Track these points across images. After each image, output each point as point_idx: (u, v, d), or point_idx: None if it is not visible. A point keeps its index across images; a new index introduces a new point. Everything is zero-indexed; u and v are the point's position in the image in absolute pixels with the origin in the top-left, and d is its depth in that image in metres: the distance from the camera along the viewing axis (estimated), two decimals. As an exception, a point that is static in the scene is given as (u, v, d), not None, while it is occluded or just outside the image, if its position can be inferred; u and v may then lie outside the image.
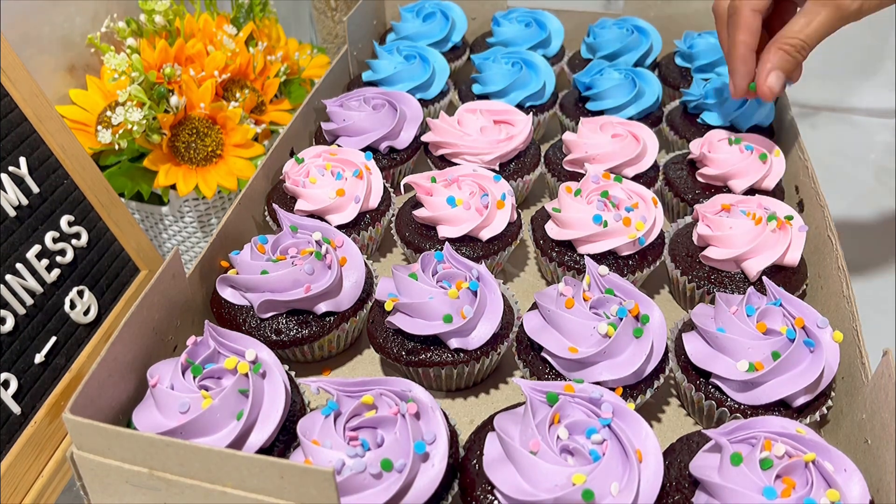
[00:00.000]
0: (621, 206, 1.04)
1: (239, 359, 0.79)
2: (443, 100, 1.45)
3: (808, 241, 1.06)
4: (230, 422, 0.75)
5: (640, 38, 1.51)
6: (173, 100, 1.28)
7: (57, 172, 1.07)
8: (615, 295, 0.88)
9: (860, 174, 1.78)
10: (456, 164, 1.21)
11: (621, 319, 0.83)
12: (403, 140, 1.27)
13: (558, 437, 0.72)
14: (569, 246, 1.05)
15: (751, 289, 0.89)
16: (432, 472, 0.71)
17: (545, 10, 1.61)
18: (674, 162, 1.25)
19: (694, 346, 0.88)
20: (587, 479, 0.66)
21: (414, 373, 0.93)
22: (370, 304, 0.99)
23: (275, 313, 0.93)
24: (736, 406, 0.84)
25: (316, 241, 0.96)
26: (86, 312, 1.06)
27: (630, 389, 0.85)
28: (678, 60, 1.52)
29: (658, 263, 1.06)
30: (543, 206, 1.11)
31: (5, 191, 0.99)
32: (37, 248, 1.01)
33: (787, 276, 1.00)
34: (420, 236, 1.09)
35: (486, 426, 0.79)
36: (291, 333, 0.93)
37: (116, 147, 1.28)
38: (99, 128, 1.31)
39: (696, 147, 1.20)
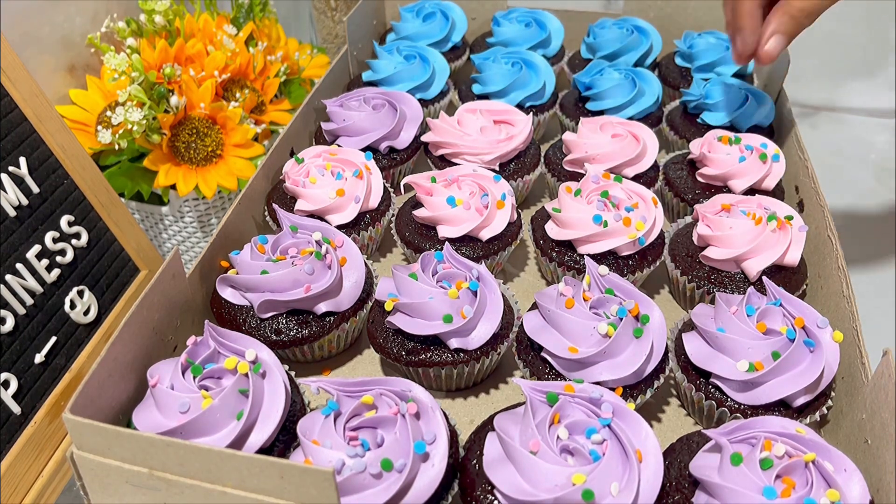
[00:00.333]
0: (621, 206, 1.04)
1: (239, 359, 0.79)
2: (443, 100, 1.46)
3: (808, 241, 1.06)
4: (230, 422, 0.75)
5: (640, 38, 1.51)
6: (173, 100, 1.28)
7: (57, 172, 1.07)
8: (615, 295, 0.88)
9: (860, 174, 1.78)
10: (456, 164, 1.21)
11: (621, 319, 0.83)
12: (403, 140, 1.27)
13: (558, 437, 0.72)
14: (569, 246, 1.05)
15: (751, 289, 0.89)
16: (432, 472, 0.71)
17: (545, 10, 1.61)
18: (674, 162, 1.25)
19: (694, 346, 0.88)
20: (587, 479, 0.66)
21: (414, 373, 0.93)
22: (370, 304, 0.99)
23: (275, 313, 0.93)
24: (736, 406, 0.84)
25: (316, 241, 0.96)
26: (86, 312, 1.06)
27: (630, 389, 0.85)
28: (678, 60, 1.52)
29: (658, 263, 1.06)
30: (543, 206, 1.11)
31: (5, 191, 0.99)
32: (37, 248, 1.01)
33: (787, 276, 1.00)
34: (420, 236, 1.09)
35: (486, 426, 0.79)
36: (291, 333, 0.93)
37: (116, 147, 1.28)
38: (99, 128, 1.31)
39: (696, 147, 1.20)
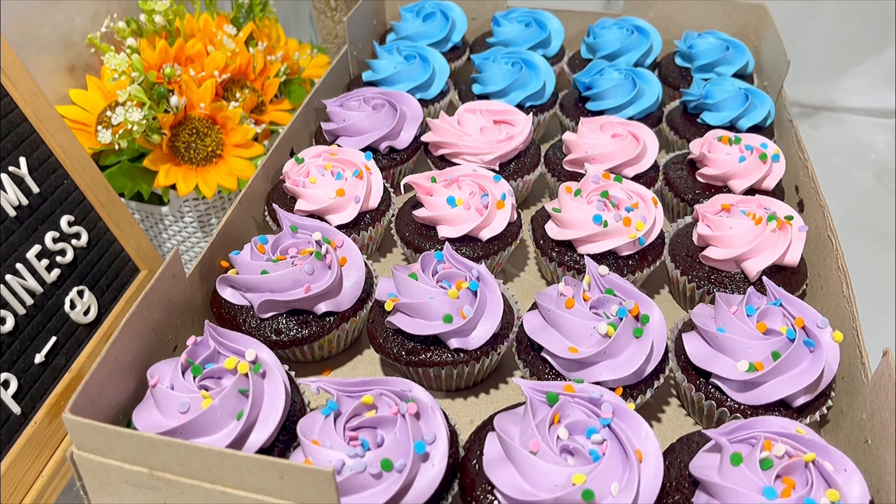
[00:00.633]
0: (621, 206, 1.04)
1: (239, 359, 0.79)
2: (443, 100, 1.46)
3: (808, 241, 1.06)
4: (230, 422, 0.75)
5: (640, 38, 1.51)
6: (173, 100, 1.28)
7: (57, 172, 1.07)
8: (615, 295, 0.88)
9: (860, 174, 1.79)
10: (456, 164, 1.21)
11: (621, 319, 0.83)
12: (403, 140, 1.27)
13: (558, 437, 0.72)
14: (569, 246, 1.05)
15: (751, 289, 0.89)
16: (432, 472, 0.71)
17: (545, 10, 1.61)
18: (674, 162, 1.25)
19: (694, 346, 0.88)
20: (587, 479, 0.66)
21: (414, 373, 0.93)
22: (370, 304, 0.99)
23: (275, 313, 0.93)
24: (736, 406, 0.84)
25: (316, 241, 0.96)
26: (86, 312, 1.06)
27: (630, 389, 0.85)
28: (678, 60, 1.52)
29: (658, 263, 1.06)
30: (543, 206, 1.11)
31: (5, 191, 0.99)
32: (37, 248, 1.01)
33: (787, 276, 1.00)
34: (420, 236, 1.09)
35: (486, 426, 0.79)
36: (291, 333, 0.93)
37: (116, 147, 1.28)
38: (99, 128, 1.31)
39: (696, 147, 1.20)
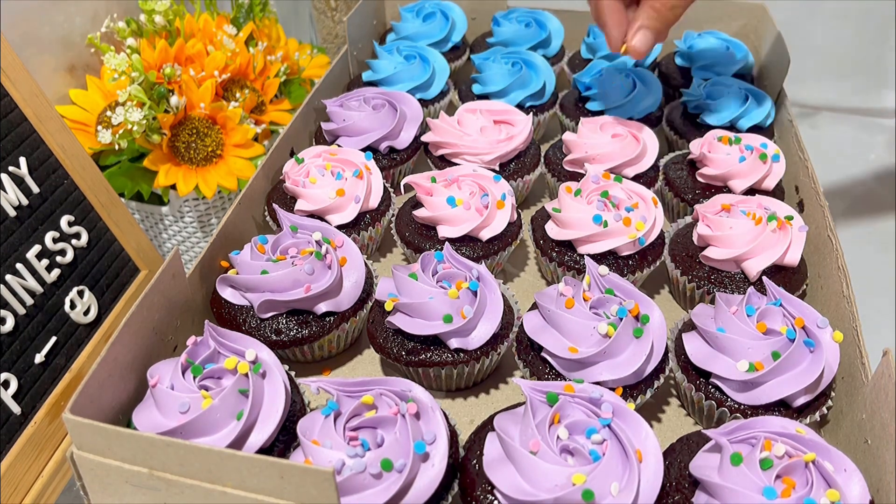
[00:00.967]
0: (621, 206, 1.04)
1: (239, 359, 0.79)
2: (443, 100, 1.45)
3: (808, 241, 1.06)
4: (230, 422, 0.75)
5: (640, 38, 1.51)
6: (173, 100, 1.28)
7: (57, 172, 1.07)
8: (615, 295, 0.88)
9: (860, 174, 1.78)
10: (456, 164, 1.21)
11: (621, 319, 0.83)
12: (403, 140, 1.27)
13: (558, 437, 0.72)
14: (569, 246, 1.05)
15: (751, 289, 0.89)
16: (432, 472, 0.71)
17: (545, 10, 1.61)
18: (674, 162, 1.25)
19: (694, 346, 0.88)
20: (587, 479, 0.66)
21: (414, 373, 0.93)
22: (370, 304, 0.99)
23: (275, 313, 0.93)
24: (736, 406, 0.84)
25: (316, 241, 0.96)
26: (86, 312, 1.06)
27: (630, 389, 0.85)
28: (678, 60, 1.52)
29: (658, 263, 1.06)
30: (543, 206, 1.11)
31: (5, 191, 0.99)
32: (37, 248, 1.01)
33: (787, 276, 1.00)
34: (420, 236, 1.09)
35: (486, 426, 0.79)
36: (291, 333, 0.93)
37: (116, 147, 1.28)
38: (99, 128, 1.31)
39: (696, 147, 1.20)
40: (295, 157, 1.16)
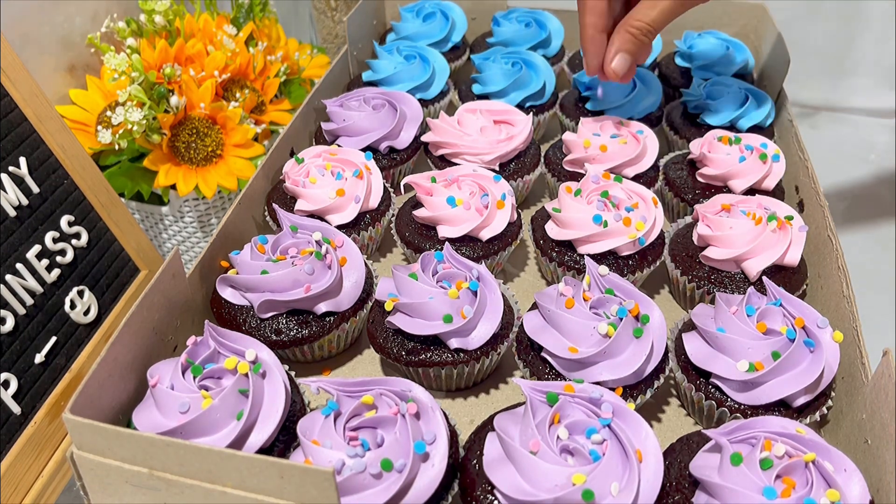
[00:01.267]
0: (621, 206, 1.04)
1: (239, 359, 0.79)
2: (443, 100, 1.45)
3: (808, 241, 1.06)
4: (230, 422, 0.75)
5: (640, 38, 1.51)
6: (173, 100, 1.28)
7: (57, 172, 1.07)
8: (615, 295, 0.88)
9: (860, 174, 1.79)
10: (456, 164, 1.21)
11: (621, 319, 0.83)
12: (403, 140, 1.27)
13: (558, 437, 0.71)
14: (569, 246, 1.05)
15: (751, 289, 0.89)
16: (432, 472, 0.71)
17: (545, 10, 1.61)
18: (674, 162, 1.25)
19: (694, 346, 0.88)
20: (587, 479, 0.66)
21: (414, 373, 0.93)
22: (370, 304, 0.99)
23: (275, 313, 0.93)
24: (736, 406, 0.84)
25: (316, 241, 0.96)
26: (86, 312, 1.06)
27: (630, 389, 0.85)
28: (678, 60, 1.52)
29: (658, 263, 1.06)
30: (543, 206, 1.11)
31: (5, 191, 0.99)
32: (37, 248, 1.01)
33: (787, 276, 1.00)
34: (420, 236, 1.09)
35: (486, 426, 0.79)
36: (291, 333, 0.93)
37: (116, 147, 1.28)
38: (99, 128, 1.31)
39: (696, 147, 1.20)
40: (295, 157, 1.16)
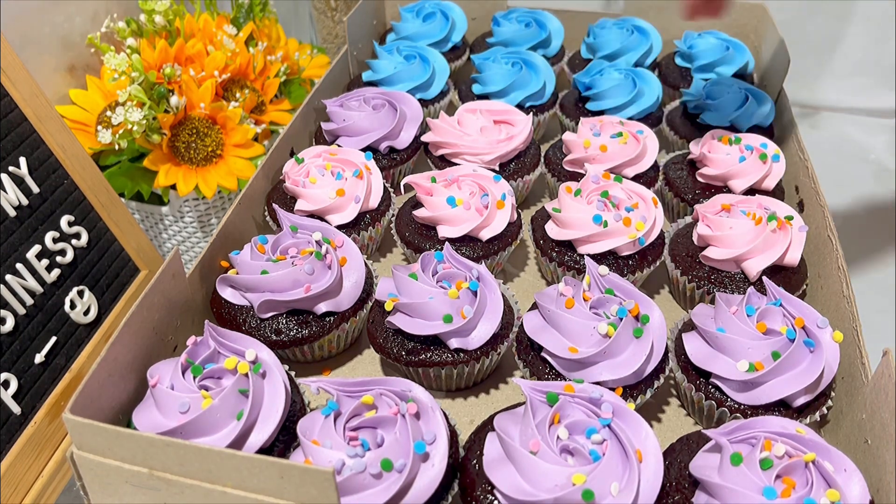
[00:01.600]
0: (621, 206, 1.04)
1: (239, 359, 0.79)
2: (443, 100, 1.46)
3: (808, 241, 1.06)
4: (230, 422, 0.75)
5: (640, 38, 1.51)
6: (173, 100, 1.28)
7: (57, 172, 1.07)
8: (615, 295, 0.88)
9: (860, 174, 1.79)
10: (456, 164, 1.21)
11: (621, 319, 0.83)
12: (403, 140, 1.27)
13: (558, 437, 0.72)
14: (569, 246, 1.05)
15: (751, 289, 0.89)
16: (432, 472, 0.71)
17: (545, 10, 1.61)
18: (674, 162, 1.25)
19: (694, 346, 0.88)
20: (587, 479, 0.66)
21: (414, 373, 0.93)
22: (370, 304, 0.99)
23: (275, 313, 0.93)
24: (736, 406, 0.84)
25: (316, 241, 0.96)
26: (86, 312, 1.06)
27: (630, 389, 0.85)
28: (678, 60, 1.52)
29: (658, 263, 1.06)
30: (543, 206, 1.11)
31: (5, 191, 0.99)
32: (37, 248, 1.01)
33: (787, 276, 1.00)
34: (420, 236, 1.09)
35: (486, 426, 0.79)
36: (291, 333, 0.93)
37: (116, 147, 1.28)
38: (99, 128, 1.31)
39: (696, 147, 1.20)
40: (295, 157, 1.16)
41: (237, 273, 0.94)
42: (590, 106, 1.36)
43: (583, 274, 1.02)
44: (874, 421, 0.78)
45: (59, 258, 1.03)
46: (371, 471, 0.68)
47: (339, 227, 1.08)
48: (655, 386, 0.87)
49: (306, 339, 0.93)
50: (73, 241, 1.06)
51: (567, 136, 1.23)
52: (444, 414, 0.78)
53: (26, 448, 0.92)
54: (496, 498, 0.72)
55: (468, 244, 1.06)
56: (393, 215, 1.17)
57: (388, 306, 0.91)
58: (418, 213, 1.09)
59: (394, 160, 1.26)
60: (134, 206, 1.38)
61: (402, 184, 1.13)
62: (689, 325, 0.93)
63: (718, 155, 1.16)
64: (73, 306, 1.04)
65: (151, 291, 0.84)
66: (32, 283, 0.99)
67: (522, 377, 0.92)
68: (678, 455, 0.78)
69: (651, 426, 0.74)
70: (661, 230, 1.07)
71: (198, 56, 1.40)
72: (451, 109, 1.44)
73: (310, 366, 1.01)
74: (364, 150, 1.23)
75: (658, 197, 1.18)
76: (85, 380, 0.72)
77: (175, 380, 0.78)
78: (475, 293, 0.89)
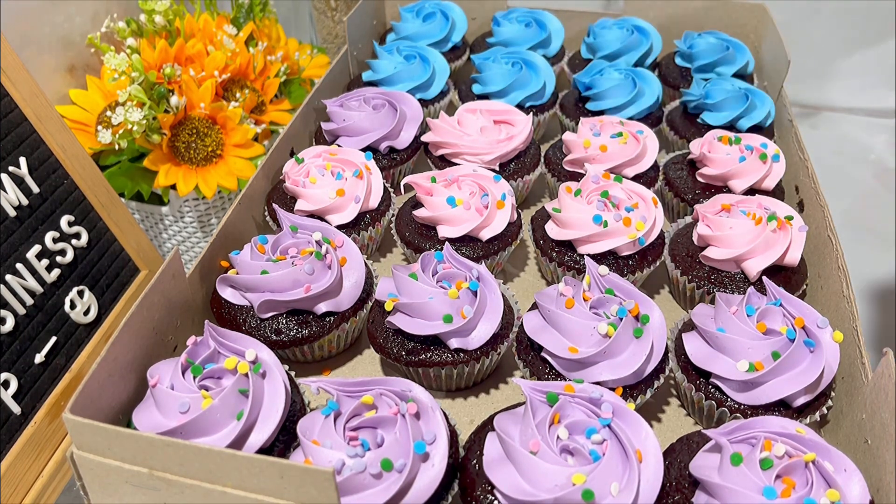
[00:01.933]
0: (621, 206, 1.04)
1: (239, 359, 0.79)
2: (443, 100, 1.45)
3: (808, 241, 1.06)
4: (230, 422, 0.75)
5: (640, 38, 1.51)
6: (173, 100, 1.28)
7: (57, 172, 1.07)
8: (615, 295, 0.88)
9: (860, 174, 1.79)
10: (456, 164, 1.21)
11: (621, 319, 0.83)
12: (403, 140, 1.27)
13: (558, 437, 0.72)
14: (569, 246, 1.05)
15: (751, 289, 0.89)
16: (432, 472, 0.71)
17: (545, 10, 1.61)
18: (674, 162, 1.25)
19: (694, 346, 0.88)
20: (587, 479, 0.66)
21: (414, 373, 0.93)
22: (370, 304, 0.99)
23: (275, 313, 0.93)
24: (736, 406, 0.84)
25: (316, 241, 0.96)
26: (86, 312, 1.06)
27: (630, 389, 0.85)
28: (678, 60, 1.52)
29: (658, 263, 1.06)
30: (543, 206, 1.11)
31: (5, 191, 0.99)
32: (37, 248, 1.01)
33: (787, 276, 1.00)
34: (420, 236, 1.09)
35: (486, 426, 0.79)
36: (291, 333, 0.93)
37: (116, 147, 1.28)
38: (99, 128, 1.31)
39: (696, 147, 1.20)
40: (295, 157, 1.16)
41: (237, 273, 0.94)
42: (590, 106, 1.36)
43: (583, 274, 1.02)
44: (874, 421, 0.78)
45: (59, 258, 1.03)
46: (371, 471, 0.68)
47: (339, 227, 1.08)
48: (655, 386, 0.87)
49: (306, 339, 0.93)
50: (73, 241, 1.07)
51: (567, 136, 1.23)
52: (444, 414, 0.78)
53: (26, 448, 0.92)
54: (496, 498, 0.72)
55: (468, 244, 1.06)
56: (393, 215, 1.17)
57: (388, 306, 0.91)
58: (418, 213, 1.09)
59: (394, 160, 1.26)
60: (134, 206, 1.38)
61: (402, 184, 1.13)
62: (689, 325, 0.93)
63: (718, 155, 1.16)
64: (73, 306, 1.04)
65: (151, 291, 0.84)
66: (32, 283, 0.99)
67: (522, 377, 0.92)
68: (678, 455, 0.78)
69: (651, 426, 0.74)
70: (661, 230, 1.07)
71: (198, 56, 1.40)
72: (451, 109, 1.44)
73: (310, 366, 1.01)
74: (364, 150, 1.23)
75: (658, 197, 1.18)
76: (85, 380, 0.72)
77: (175, 380, 0.78)
78: (475, 293, 0.89)
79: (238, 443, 0.75)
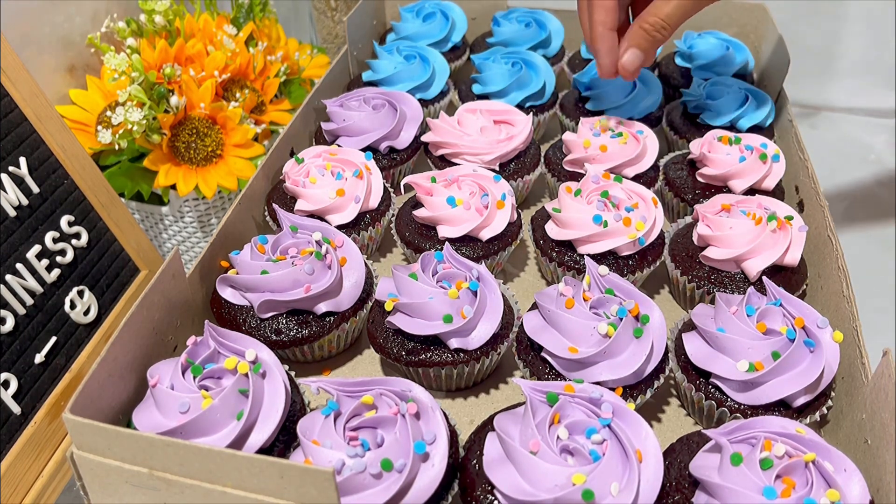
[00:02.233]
0: (621, 206, 1.04)
1: (239, 359, 0.79)
2: (443, 100, 1.45)
3: (808, 241, 1.06)
4: (230, 422, 0.75)
5: (640, 38, 1.50)
6: (173, 100, 1.28)
7: (57, 172, 1.07)
8: (615, 295, 0.88)
9: (860, 174, 1.78)
10: (456, 164, 1.21)
11: (621, 319, 0.83)
12: (403, 140, 1.27)
13: (558, 437, 0.72)
14: (569, 246, 1.05)
15: (751, 289, 0.89)
16: (432, 472, 0.71)
17: (545, 10, 1.61)
18: (674, 162, 1.25)
19: (694, 346, 0.88)
20: (587, 479, 0.66)
21: (414, 373, 0.93)
22: (370, 304, 0.99)
23: (275, 313, 0.93)
24: (736, 406, 0.84)
25: (316, 241, 0.96)
26: (86, 312, 1.06)
27: (630, 389, 0.85)
28: (678, 60, 1.52)
29: (658, 263, 1.06)
30: (543, 206, 1.11)
31: (5, 191, 0.99)
32: (37, 248, 1.01)
33: (787, 276, 1.00)
34: (420, 236, 1.09)
35: (486, 426, 0.79)
36: (291, 333, 0.93)
37: (116, 147, 1.28)
38: (99, 128, 1.31)
39: (696, 147, 1.20)
40: (295, 157, 1.16)
41: (237, 273, 0.94)
42: (590, 106, 1.36)
43: (583, 274, 1.02)
44: (874, 421, 0.78)
45: (59, 258, 1.03)
46: (371, 471, 0.68)
47: (339, 227, 1.08)
48: (655, 386, 0.87)
49: (306, 339, 0.93)
50: (73, 241, 1.06)
51: (567, 136, 1.23)
52: (444, 414, 0.78)
53: (26, 448, 0.92)
54: (496, 498, 0.72)
55: (468, 244, 1.06)
56: (393, 215, 1.17)
57: (388, 306, 0.91)
58: (418, 213, 1.09)
59: (394, 160, 1.26)
60: (134, 206, 1.38)
61: (402, 184, 1.13)
62: (689, 325, 0.93)
63: (718, 155, 1.16)
64: (73, 306, 1.04)
65: (151, 291, 0.84)
66: (32, 283, 0.99)
67: (522, 377, 0.92)
68: (678, 455, 0.78)
69: (651, 426, 0.74)
70: (661, 230, 1.07)
71: (198, 56, 1.40)
72: (451, 109, 1.44)
73: (310, 366, 1.01)
74: (364, 150, 1.23)
75: (658, 197, 1.18)
76: (85, 380, 0.72)
77: (175, 380, 0.78)
78: (475, 293, 0.89)
79: (238, 443, 0.75)
